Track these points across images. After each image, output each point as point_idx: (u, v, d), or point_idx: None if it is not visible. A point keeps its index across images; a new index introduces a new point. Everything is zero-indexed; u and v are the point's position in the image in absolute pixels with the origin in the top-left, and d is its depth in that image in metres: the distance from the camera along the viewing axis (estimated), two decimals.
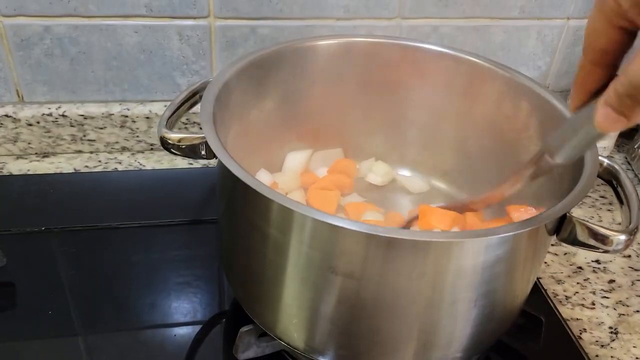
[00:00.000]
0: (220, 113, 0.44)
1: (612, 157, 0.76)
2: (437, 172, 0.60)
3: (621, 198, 0.43)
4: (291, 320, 0.42)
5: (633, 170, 0.74)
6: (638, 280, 0.60)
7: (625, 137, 0.77)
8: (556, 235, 0.40)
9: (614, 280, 0.60)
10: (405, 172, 0.62)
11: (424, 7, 0.68)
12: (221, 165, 0.40)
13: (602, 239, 0.38)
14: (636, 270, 0.61)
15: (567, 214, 0.39)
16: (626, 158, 0.76)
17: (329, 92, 0.56)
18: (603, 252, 0.39)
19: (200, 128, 0.42)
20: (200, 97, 0.48)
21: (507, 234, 0.36)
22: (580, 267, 0.61)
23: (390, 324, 0.39)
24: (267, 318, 0.44)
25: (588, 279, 0.60)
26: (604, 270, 0.61)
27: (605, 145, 0.72)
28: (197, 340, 0.49)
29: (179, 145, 0.42)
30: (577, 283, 0.59)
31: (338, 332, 0.41)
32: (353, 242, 0.36)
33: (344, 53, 0.55)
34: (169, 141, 0.42)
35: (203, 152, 0.43)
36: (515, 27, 0.71)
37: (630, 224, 0.39)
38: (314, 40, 0.54)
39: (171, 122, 0.45)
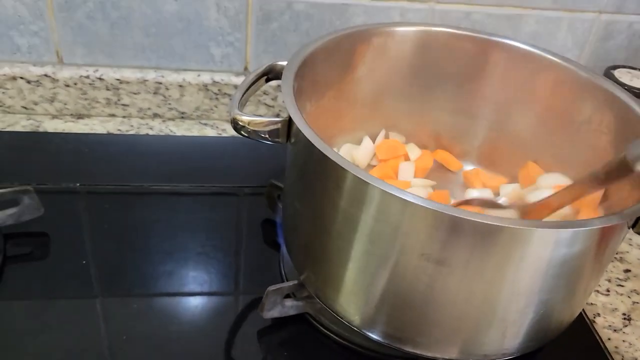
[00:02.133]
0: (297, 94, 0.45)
1: None
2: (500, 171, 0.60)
3: None
4: (351, 292, 0.43)
5: None
6: None
7: None
8: (632, 228, 0.40)
9: (629, 270, 0.61)
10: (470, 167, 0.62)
11: None
12: (307, 145, 0.40)
13: None
14: None
15: None
16: None
17: (400, 78, 0.57)
18: None
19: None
20: (267, 80, 0.49)
21: (596, 227, 0.37)
22: None
23: (450, 308, 0.40)
24: (326, 290, 0.45)
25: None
26: (621, 260, 0.62)
27: None
28: (212, 310, 0.51)
29: (249, 129, 0.43)
30: None
31: (395, 310, 0.42)
32: (421, 220, 0.36)
33: (421, 42, 0.55)
34: (240, 123, 0.43)
35: (266, 134, 0.44)
36: (546, 17, 0.72)
37: None
38: (389, 27, 0.55)
39: (242, 103, 0.45)
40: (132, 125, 0.70)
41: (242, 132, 0.45)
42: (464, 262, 0.38)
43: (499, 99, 0.57)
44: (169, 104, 0.71)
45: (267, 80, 0.51)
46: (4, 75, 0.66)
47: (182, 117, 0.73)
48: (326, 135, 0.55)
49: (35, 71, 0.66)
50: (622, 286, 0.59)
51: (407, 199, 0.35)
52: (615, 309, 0.56)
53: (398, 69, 0.56)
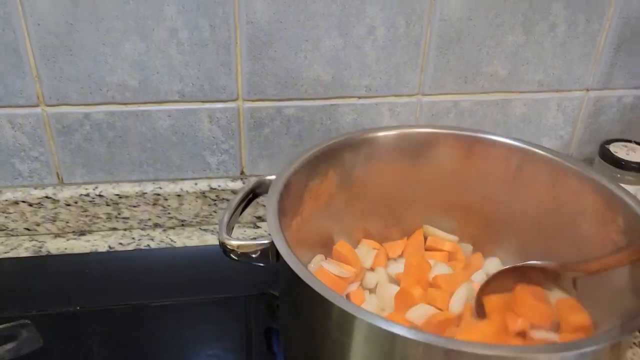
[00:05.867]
0: (281, 213, 0.46)
1: None
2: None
3: None
4: None
5: None
6: None
7: None
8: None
9: None
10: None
11: (443, 83, 0.70)
12: (292, 274, 0.40)
13: None
14: None
15: None
16: None
17: (387, 180, 0.58)
18: None
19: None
20: (254, 195, 0.50)
21: (601, 345, 0.35)
22: None
23: None
24: None
25: None
26: None
27: None
28: None
29: (238, 252, 0.44)
30: None
31: None
32: (412, 352, 0.35)
33: (402, 143, 0.57)
34: (229, 247, 0.44)
35: (257, 256, 0.44)
36: (534, 100, 0.73)
37: None
38: (371, 132, 0.56)
39: (230, 226, 0.46)
40: (133, 238, 0.71)
41: (232, 256, 0.45)
42: None
43: (488, 192, 0.56)
44: (169, 213, 0.72)
45: (256, 196, 0.52)
46: (6, 200, 0.67)
47: (183, 225, 0.73)
48: (323, 238, 0.56)
49: (37, 194, 0.68)
50: None
51: (396, 332, 0.34)
52: None
53: (385, 171, 0.57)
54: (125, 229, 0.72)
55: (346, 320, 0.37)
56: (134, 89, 0.65)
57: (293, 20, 0.64)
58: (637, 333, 0.61)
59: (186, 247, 0.70)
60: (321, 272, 0.53)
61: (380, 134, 0.55)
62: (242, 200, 0.49)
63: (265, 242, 0.44)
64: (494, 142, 0.55)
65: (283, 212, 0.46)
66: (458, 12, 0.66)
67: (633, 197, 0.48)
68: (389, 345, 0.36)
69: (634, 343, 0.60)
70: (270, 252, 0.44)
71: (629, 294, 0.44)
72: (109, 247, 0.69)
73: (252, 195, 0.51)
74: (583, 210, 0.51)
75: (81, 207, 0.70)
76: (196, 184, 0.71)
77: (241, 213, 0.50)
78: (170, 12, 0.62)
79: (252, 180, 0.52)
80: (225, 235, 0.45)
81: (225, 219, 0.47)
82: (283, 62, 0.66)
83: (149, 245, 0.70)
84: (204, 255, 0.69)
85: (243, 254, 0.44)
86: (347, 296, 0.55)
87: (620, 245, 0.46)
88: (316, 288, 0.37)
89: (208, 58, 0.65)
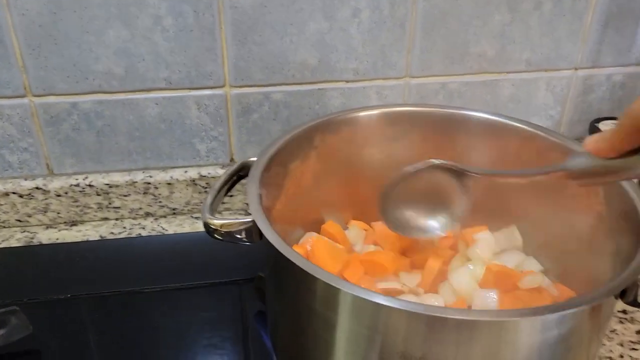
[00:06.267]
0: (263, 193, 0.46)
1: None
2: None
3: None
4: None
5: None
6: None
7: None
8: (622, 299, 0.39)
9: None
10: None
11: (431, 65, 0.70)
12: (274, 251, 0.40)
13: None
14: None
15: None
16: None
17: (372, 160, 0.58)
18: None
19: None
20: (239, 178, 0.50)
21: (584, 307, 0.35)
22: None
23: None
24: None
25: (615, 330, 0.58)
26: (632, 320, 0.59)
27: None
28: None
29: (222, 231, 0.44)
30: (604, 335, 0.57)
31: None
32: (396, 321, 0.36)
33: (384, 122, 0.56)
34: (212, 227, 0.44)
35: (242, 236, 0.44)
36: (523, 79, 0.73)
37: None
38: (352, 113, 0.56)
39: (213, 207, 0.46)
40: (124, 227, 0.71)
41: (216, 236, 0.45)
42: (450, 359, 0.36)
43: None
44: (160, 202, 0.72)
45: (240, 178, 0.52)
46: None
47: (174, 214, 0.73)
48: (312, 219, 0.55)
49: (27, 185, 0.68)
50: (636, 350, 0.56)
51: (379, 302, 0.34)
52: None
53: (369, 151, 0.56)
54: (116, 219, 0.72)
55: (329, 293, 0.37)
56: (120, 77, 0.65)
57: (277, 4, 0.64)
58: (630, 307, 0.61)
59: (177, 234, 0.70)
60: (319, 241, 0.53)
61: (362, 114, 0.55)
62: (225, 182, 0.49)
63: (248, 219, 0.44)
64: (477, 118, 0.55)
65: (265, 191, 0.46)
66: None
67: None
68: (372, 315, 0.36)
69: (625, 319, 0.60)
70: (253, 231, 0.44)
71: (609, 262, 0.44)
72: (100, 236, 0.70)
73: (237, 177, 0.51)
74: (566, 183, 0.51)
75: (72, 197, 0.70)
76: (186, 171, 0.71)
77: (225, 194, 0.50)
78: None
79: (236, 163, 0.52)
80: (208, 215, 0.45)
81: (209, 199, 0.47)
82: (269, 46, 0.66)
83: (140, 234, 0.70)
84: (196, 242, 0.69)
85: (227, 233, 0.44)
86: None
87: (603, 216, 0.46)
88: (297, 262, 0.37)
89: (193, 44, 0.65)
